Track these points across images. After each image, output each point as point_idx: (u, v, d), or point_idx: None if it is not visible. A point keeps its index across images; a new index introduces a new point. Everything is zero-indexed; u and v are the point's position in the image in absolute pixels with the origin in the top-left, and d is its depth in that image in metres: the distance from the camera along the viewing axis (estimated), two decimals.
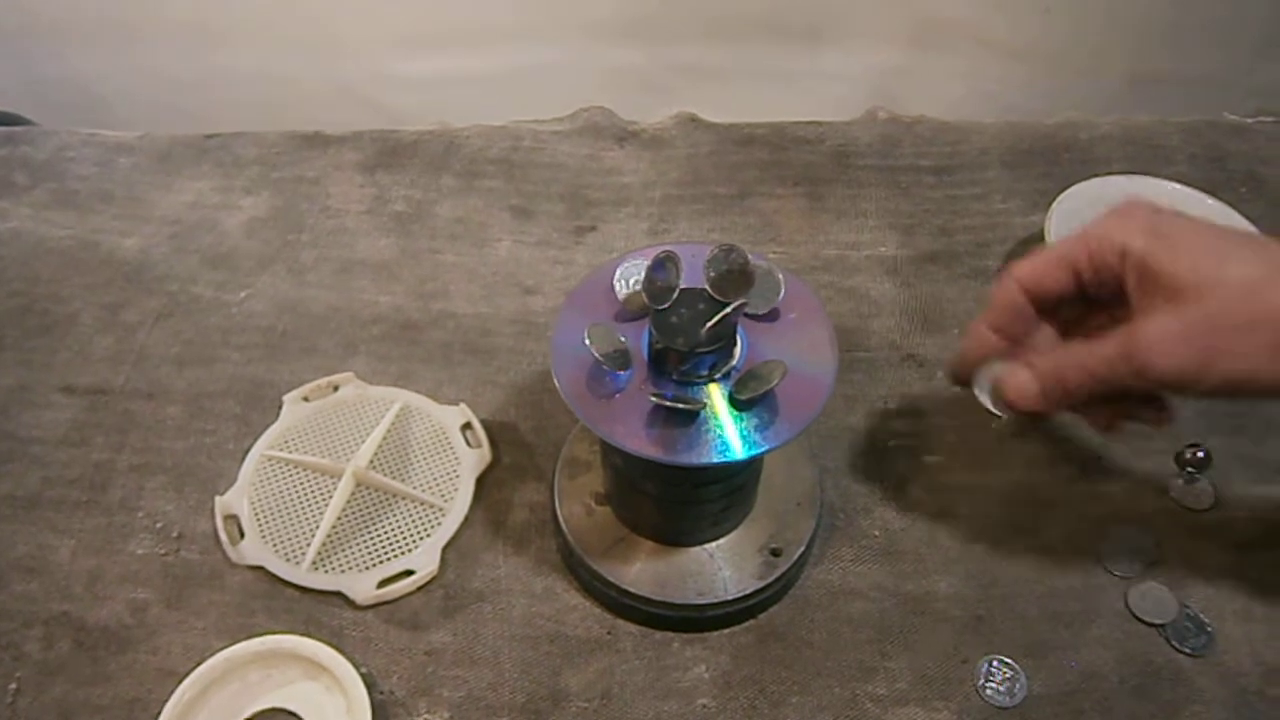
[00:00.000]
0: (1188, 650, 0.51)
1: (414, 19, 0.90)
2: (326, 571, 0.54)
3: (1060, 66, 0.96)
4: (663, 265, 0.43)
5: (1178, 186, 0.66)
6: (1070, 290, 0.45)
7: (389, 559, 0.54)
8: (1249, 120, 0.79)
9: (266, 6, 0.88)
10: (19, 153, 0.78)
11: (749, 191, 0.75)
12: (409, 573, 0.54)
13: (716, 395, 0.43)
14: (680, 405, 0.42)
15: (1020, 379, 0.45)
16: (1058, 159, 0.76)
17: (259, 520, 0.56)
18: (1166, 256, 0.41)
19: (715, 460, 0.42)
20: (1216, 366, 0.40)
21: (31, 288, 0.68)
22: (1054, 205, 0.65)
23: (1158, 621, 0.52)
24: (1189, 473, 0.58)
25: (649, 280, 0.43)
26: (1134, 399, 0.46)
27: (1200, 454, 0.58)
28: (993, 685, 0.50)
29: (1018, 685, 0.50)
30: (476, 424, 0.60)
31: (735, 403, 0.42)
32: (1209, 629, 0.52)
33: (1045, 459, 0.59)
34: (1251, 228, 0.63)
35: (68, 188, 0.75)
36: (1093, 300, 0.46)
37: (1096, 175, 0.68)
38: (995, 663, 0.51)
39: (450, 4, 0.90)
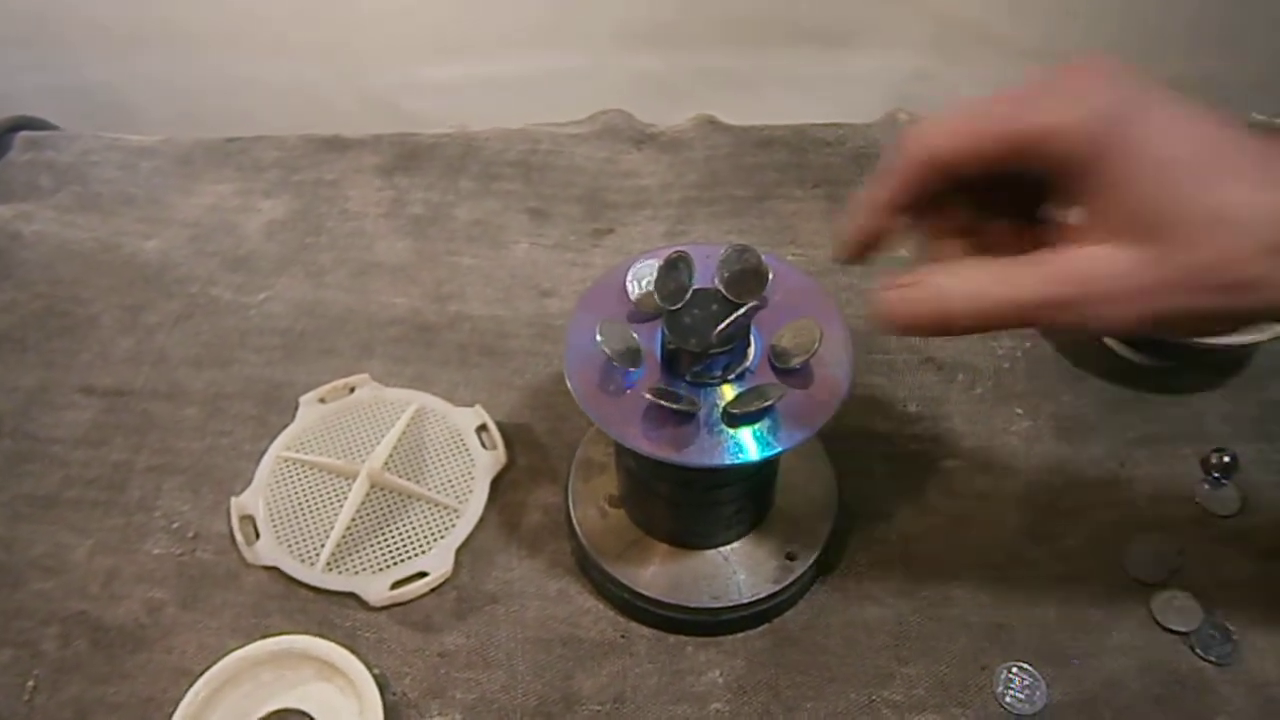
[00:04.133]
0: (1212, 659, 0.50)
1: (432, 24, 0.90)
2: (340, 572, 0.54)
3: None
4: (675, 266, 0.43)
5: None
6: (989, 174, 0.36)
7: (403, 560, 0.54)
8: (1277, 120, 0.78)
9: (287, 12, 0.88)
10: (44, 156, 0.78)
11: (768, 194, 0.74)
12: (423, 574, 0.53)
13: (730, 397, 0.43)
14: (673, 406, 0.41)
15: (910, 303, 0.36)
16: None
17: (274, 521, 0.56)
18: (1134, 171, 0.32)
19: (728, 462, 0.41)
20: (1185, 324, 0.33)
21: (54, 289, 0.69)
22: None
23: (1182, 629, 0.51)
24: (1215, 478, 0.57)
25: (661, 281, 0.43)
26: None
27: (1227, 459, 0.57)
28: (1012, 692, 0.49)
29: (1037, 693, 0.49)
30: (492, 426, 0.60)
31: (728, 416, 0.42)
32: (1234, 637, 0.51)
33: (1067, 463, 0.58)
34: None
35: (90, 191, 0.76)
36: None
37: None
38: (1014, 669, 0.50)
39: (468, 9, 0.90)
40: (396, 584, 0.53)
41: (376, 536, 0.55)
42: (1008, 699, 0.49)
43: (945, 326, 0.36)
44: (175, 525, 0.57)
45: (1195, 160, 0.32)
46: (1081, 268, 0.33)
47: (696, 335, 0.42)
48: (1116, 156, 0.32)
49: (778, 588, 0.51)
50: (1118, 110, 0.32)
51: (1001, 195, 0.37)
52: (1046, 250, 0.34)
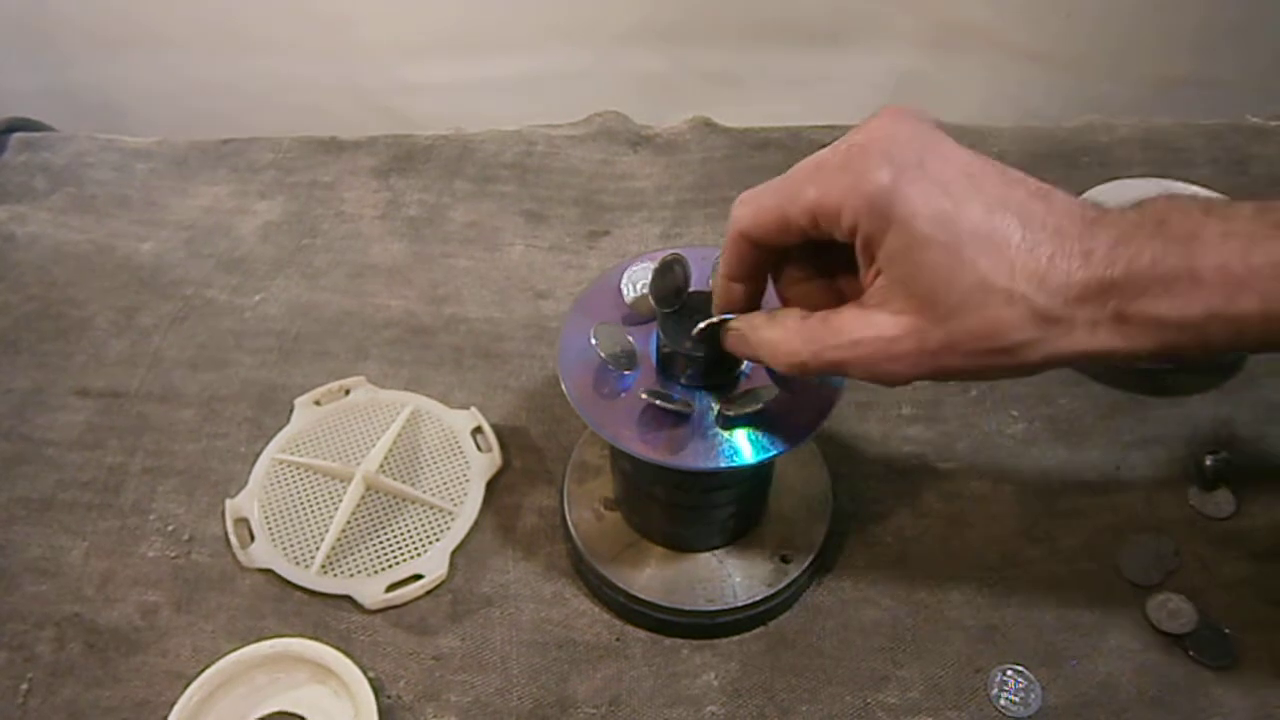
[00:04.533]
0: (1207, 661, 0.50)
1: (429, 25, 0.90)
2: (335, 575, 0.54)
3: (1081, 70, 0.95)
4: (670, 268, 0.43)
5: (1198, 189, 0.65)
6: (801, 241, 0.39)
7: (398, 563, 0.54)
8: (1272, 123, 0.78)
9: (283, 13, 0.88)
10: (38, 158, 0.78)
11: None
12: (418, 577, 0.53)
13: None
14: (668, 406, 0.41)
15: (732, 341, 0.41)
16: (1076, 162, 0.75)
17: (269, 524, 0.56)
18: (904, 247, 0.35)
19: (722, 465, 0.41)
20: (967, 378, 0.37)
21: (48, 291, 0.69)
22: None
23: (1177, 632, 0.51)
24: (1210, 480, 0.57)
25: (656, 283, 0.43)
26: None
27: (1221, 462, 0.57)
28: (1007, 695, 0.49)
29: (1032, 695, 0.49)
30: (487, 428, 0.60)
31: (723, 419, 0.42)
32: (1229, 640, 0.51)
33: (1063, 466, 0.58)
34: None
35: (85, 193, 0.76)
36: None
37: (1116, 178, 0.68)
38: (1010, 672, 0.50)
39: (464, 10, 0.90)
40: (391, 587, 0.53)
41: (371, 539, 0.55)
42: (1003, 701, 0.49)
43: (759, 362, 0.40)
44: (170, 528, 0.56)
45: (958, 237, 0.34)
46: (863, 333, 0.36)
47: (691, 338, 0.42)
48: (890, 232, 0.35)
49: (773, 590, 0.51)
50: (891, 187, 0.34)
51: (840, 250, 0.39)
52: (843, 309, 0.38)
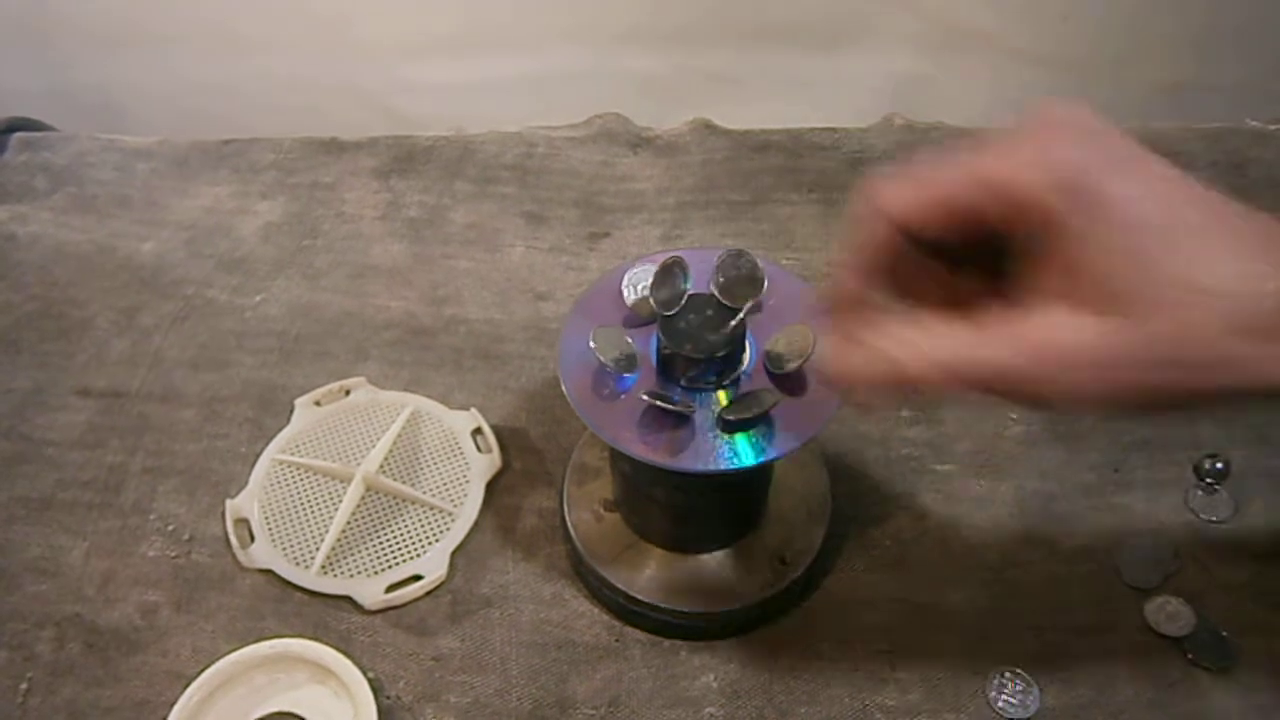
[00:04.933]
0: (1206, 664, 0.50)
1: (430, 25, 0.90)
2: (335, 576, 0.54)
3: (1082, 73, 0.95)
4: (670, 270, 0.43)
5: None
6: (949, 237, 0.34)
7: (398, 564, 0.54)
8: (1271, 127, 0.78)
9: (283, 13, 0.89)
10: (39, 158, 0.78)
11: (763, 198, 0.74)
12: (417, 578, 0.53)
13: (725, 402, 0.43)
14: (668, 408, 0.41)
15: (848, 359, 0.35)
16: None
17: (269, 524, 0.56)
18: (1101, 232, 0.30)
19: (721, 467, 0.41)
20: (1143, 404, 0.31)
21: (49, 291, 0.69)
22: None
23: (1175, 634, 0.51)
24: (1208, 483, 0.57)
25: (657, 285, 0.43)
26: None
27: (1220, 464, 0.57)
28: (1005, 697, 0.49)
29: (1030, 697, 0.49)
30: (487, 429, 0.60)
31: (723, 423, 0.42)
32: (1228, 643, 0.51)
33: (1062, 468, 0.58)
34: None
35: (86, 192, 0.76)
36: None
37: None
38: (1008, 674, 0.50)
39: (464, 10, 0.90)
40: (391, 587, 0.53)
41: (371, 540, 0.55)
42: (1001, 703, 0.49)
43: (899, 387, 0.34)
44: (170, 528, 0.56)
45: (1167, 225, 0.30)
46: (1041, 336, 0.31)
47: (692, 340, 0.42)
48: (1084, 216, 0.30)
49: (772, 592, 0.51)
50: (1088, 168, 0.31)
51: (966, 255, 0.34)
52: (1009, 314, 0.32)
